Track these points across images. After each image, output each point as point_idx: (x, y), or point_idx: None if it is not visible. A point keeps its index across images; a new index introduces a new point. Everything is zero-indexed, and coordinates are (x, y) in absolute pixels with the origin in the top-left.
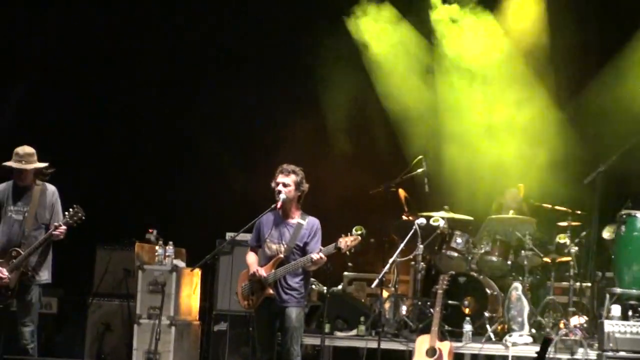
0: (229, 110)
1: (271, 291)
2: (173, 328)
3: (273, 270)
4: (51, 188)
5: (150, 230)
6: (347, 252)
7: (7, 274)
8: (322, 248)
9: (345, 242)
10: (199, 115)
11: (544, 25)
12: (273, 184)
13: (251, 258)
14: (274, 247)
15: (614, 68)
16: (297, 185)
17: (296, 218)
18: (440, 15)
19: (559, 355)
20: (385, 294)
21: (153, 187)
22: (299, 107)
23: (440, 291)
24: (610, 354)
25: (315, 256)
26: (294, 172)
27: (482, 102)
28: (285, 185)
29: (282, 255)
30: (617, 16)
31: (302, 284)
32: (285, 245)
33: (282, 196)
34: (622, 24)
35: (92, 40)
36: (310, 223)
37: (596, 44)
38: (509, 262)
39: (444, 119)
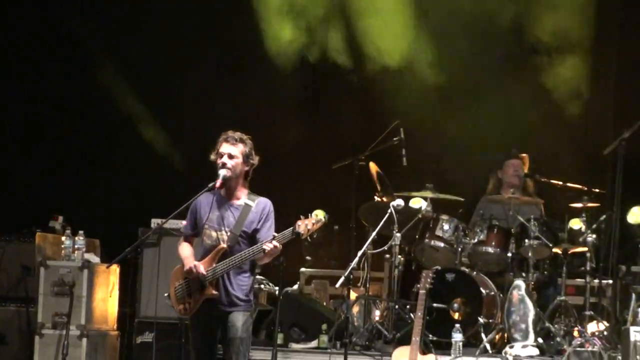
0: (155, 67)
1: (213, 291)
2: (84, 340)
3: (214, 265)
4: None
5: (55, 217)
6: (308, 239)
7: None
8: (276, 235)
9: (305, 225)
10: (113, 72)
11: None
12: (214, 156)
13: (185, 250)
14: (214, 234)
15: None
16: (246, 157)
17: (243, 199)
18: None
19: None
20: (353, 295)
21: (58, 162)
22: (240, 60)
23: (422, 291)
24: None
25: (268, 245)
26: (241, 140)
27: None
28: (230, 156)
29: (224, 245)
30: None
31: (249, 281)
32: (228, 232)
33: (223, 172)
34: None
35: None
36: (261, 205)
37: None
38: (510, 254)
39: (426, 73)
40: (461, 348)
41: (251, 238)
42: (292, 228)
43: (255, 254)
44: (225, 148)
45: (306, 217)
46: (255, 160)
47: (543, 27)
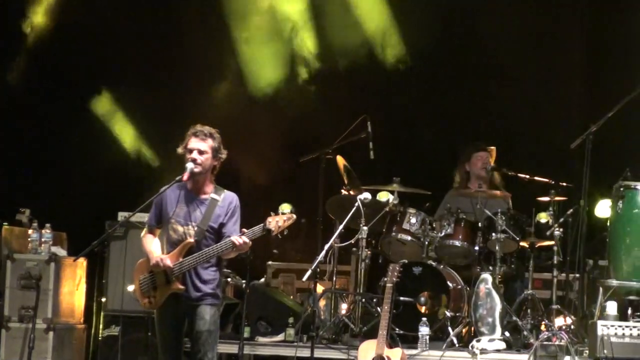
0: (126, 61)
1: (180, 285)
2: (51, 333)
3: (181, 259)
4: None
5: (22, 210)
6: (279, 235)
7: None
8: (245, 230)
9: (276, 222)
10: (84, 63)
11: None
12: (181, 150)
13: (151, 243)
14: (181, 229)
15: None
16: (215, 152)
17: (210, 193)
18: None
19: None
20: (319, 288)
21: (24, 155)
22: (210, 58)
23: (389, 285)
24: None
25: (238, 240)
26: (211, 135)
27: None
28: (200, 152)
29: (191, 240)
30: None
31: (216, 275)
32: (195, 227)
33: (191, 166)
34: None
35: None
36: (227, 199)
37: None
38: (477, 248)
39: (393, 65)
40: (428, 342)
41: (218, 233)
42: (262, 224)
43: (224, 249)
44: (194, 143)
45: (276, 213)
46: (224, 154)
47: None
